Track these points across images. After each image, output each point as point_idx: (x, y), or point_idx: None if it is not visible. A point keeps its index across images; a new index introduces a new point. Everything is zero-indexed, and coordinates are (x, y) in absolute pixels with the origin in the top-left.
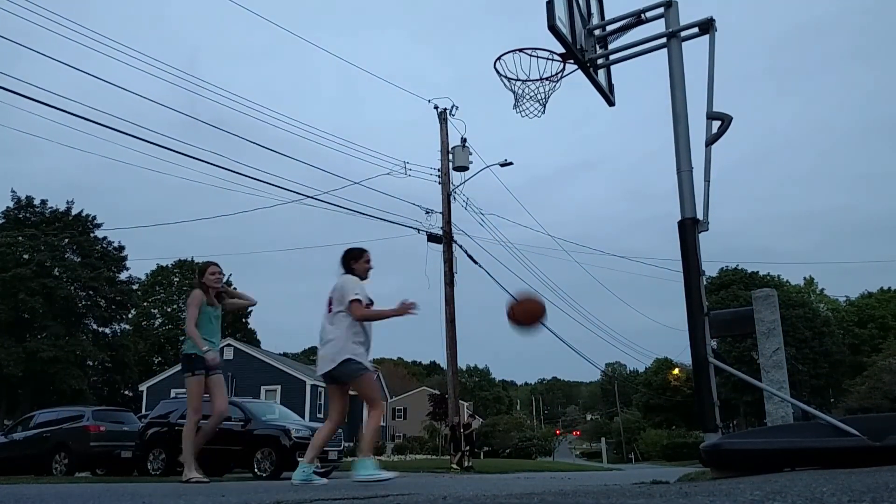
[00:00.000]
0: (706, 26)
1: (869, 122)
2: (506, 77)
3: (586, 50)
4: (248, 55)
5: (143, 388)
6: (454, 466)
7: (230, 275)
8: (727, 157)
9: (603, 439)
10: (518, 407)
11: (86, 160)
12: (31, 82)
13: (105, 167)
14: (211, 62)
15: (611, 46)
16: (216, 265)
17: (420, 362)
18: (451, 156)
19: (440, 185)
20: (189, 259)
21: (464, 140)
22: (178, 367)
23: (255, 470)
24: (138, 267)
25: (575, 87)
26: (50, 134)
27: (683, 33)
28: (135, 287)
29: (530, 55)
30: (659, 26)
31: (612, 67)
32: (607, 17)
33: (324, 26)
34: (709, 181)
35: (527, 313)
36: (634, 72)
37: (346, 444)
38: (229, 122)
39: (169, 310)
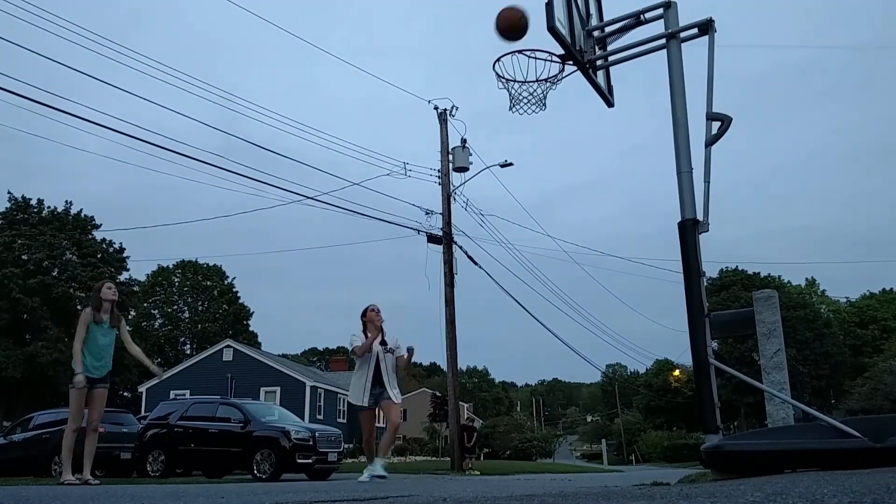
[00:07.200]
0: (705, 27)
1: (850, 149)
2: (504, 79)
3: (585, 51)
4: (276, 92)
5: (142, 389)
6: (472, 469)
7: (234, 277)
8: (724, 180)
9: (603, 441)
10: (518, 408)
11: (112, 181)
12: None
13: (138, 187)
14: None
15: (610, 48)
16: (111, 282)
17: (420, 363)
18: (451, 156)
19: (440, 186)
20: (193, 260)
21: (464, 141)
22: (178, 368)
23: (255, 471)
24: (141, 268)
25: (583, 114)
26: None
27: (683, 34)
28: (135, 289)
29: (529, 56)
30: (658, 27)
31: (612, 69)
32: (606, 18)
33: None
34: (709, 182)
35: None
36: (636, 77)
37: (346, 446)
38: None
39: (169, 310)
